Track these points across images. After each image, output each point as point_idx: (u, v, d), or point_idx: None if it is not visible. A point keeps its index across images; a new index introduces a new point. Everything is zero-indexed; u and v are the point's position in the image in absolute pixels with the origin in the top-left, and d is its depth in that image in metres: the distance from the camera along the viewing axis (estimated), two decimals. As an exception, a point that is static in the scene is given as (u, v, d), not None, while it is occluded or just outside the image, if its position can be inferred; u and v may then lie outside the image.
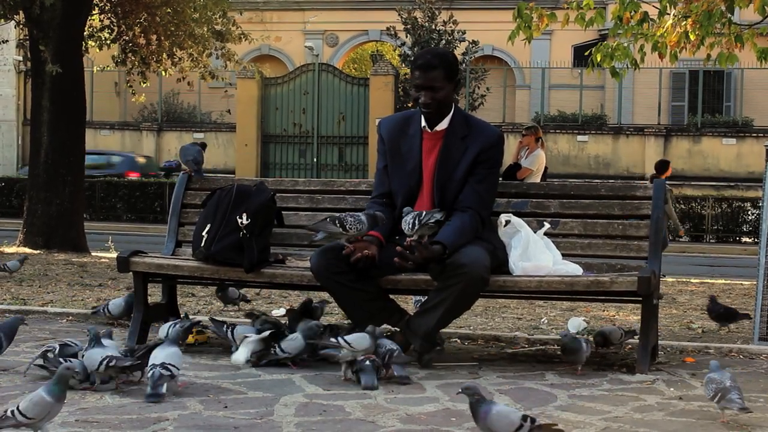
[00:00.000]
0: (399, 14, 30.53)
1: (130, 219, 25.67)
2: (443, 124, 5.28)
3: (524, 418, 3.53)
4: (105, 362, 4.38)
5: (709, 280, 12.59)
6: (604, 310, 7.82)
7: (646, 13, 9.47)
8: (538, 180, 12.00)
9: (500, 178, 5.68)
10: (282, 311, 7.05)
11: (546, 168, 12.53)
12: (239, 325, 5.42)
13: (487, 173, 5.25)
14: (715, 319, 6.72)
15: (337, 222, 5.06)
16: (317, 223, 5.22)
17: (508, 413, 3.59)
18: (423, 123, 5.30)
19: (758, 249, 6.26)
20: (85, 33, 14.67)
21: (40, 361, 4.68)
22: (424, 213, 5.01)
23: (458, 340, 6.03)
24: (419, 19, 30.20)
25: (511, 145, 14.75)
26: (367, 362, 4.61)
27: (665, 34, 9.48)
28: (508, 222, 5.25)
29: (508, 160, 11.62)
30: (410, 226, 4.98)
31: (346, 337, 4.77)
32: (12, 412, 3.54)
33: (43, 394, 3.58)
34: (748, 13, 10.97)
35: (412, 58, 5.48)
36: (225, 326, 5.36)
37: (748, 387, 4.73)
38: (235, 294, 7.19)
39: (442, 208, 5.18)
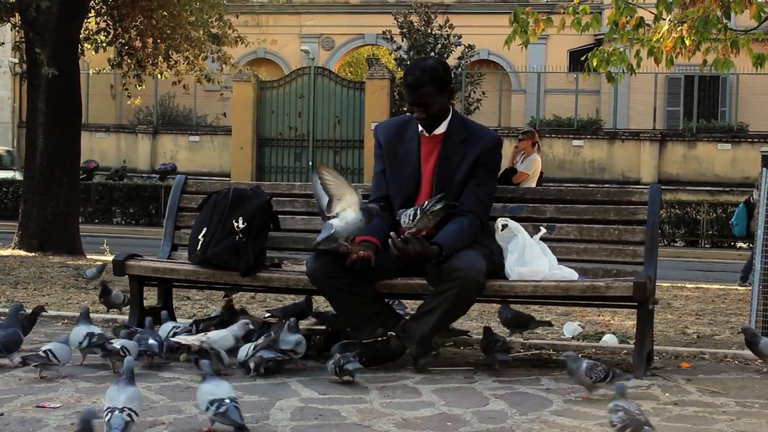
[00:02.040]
0: (395, 18, 30.54)
1: (125, 222, 25.62)
2: (441, 128, 5.27)
3: (212, 402, 3.67)
4: (87, 338, 4.73)
5: (704, 285, 12.61)
6: (599, 315, 7.83)
7: (641, 18, 9.49)
8: (533, 184, 12.00)
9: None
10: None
11: (542, 173, 12.54)
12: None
13: (487, 177, 5.25)
14: (504, 325, 6.18)
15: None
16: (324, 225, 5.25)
17: (202, 393, 3.77)
18: (420, 128, 5.30)
19: (753, 254, 6.26)
20: (81, 36, 14.65)
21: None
22: (426, 203, 5.00)
23: (454, 345, 6.02)
24: (415, 23, 30.20)
25: (506, 149, 14.70)
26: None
27: (661, 39, 9.50)
28: (504, 226, 5.25)
29: (504, 164, 11.61)
30: (410, 218, 4.96)
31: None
32: (129, 415, 3.48)
33: (137, 388, 3.63)
34: (744, 19, 10.99)
35: (405, 70, 5.41)
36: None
37: (744, 393, 4.74)
38: (120, 298, 6.85)
39: None
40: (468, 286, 4.92)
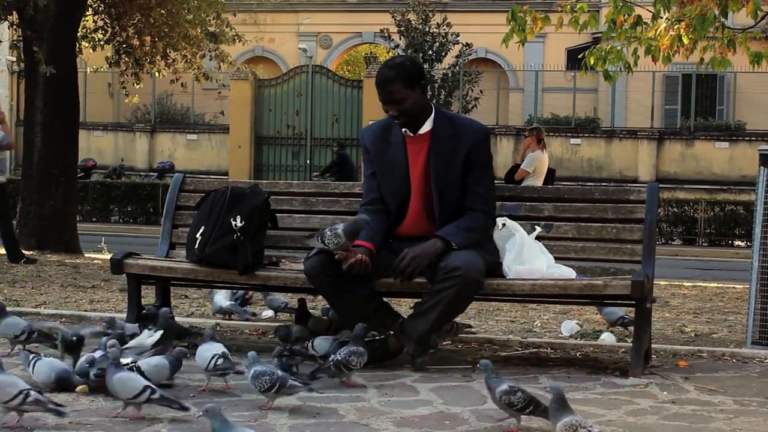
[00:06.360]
0: (393, 16, 30.51)
1: (123, 221, 25.61)
2: (426, 127, 5.24)
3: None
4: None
5: (701, 284, 12.62)
6: (597, 314, 7.83)
7: (639, 16, 9.49)
8: (539, 182, 11.98)
9: (503, 180, 5.68)
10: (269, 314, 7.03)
11: (553, 170, 12.51)
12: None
13: (483, 173, 5.24)
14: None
15: (318, 237, 5.09)
16: (308, 240, 5.24)
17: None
18: (404, 128, 5.27)
19: (751, 252, 6.27)
20: (78, 34, 14.64)
21: None
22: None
23: (451, 343, 6.02)
24: (413, 22, 30.18)
25: (505, 147, 14.74)
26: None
27: (658, 37, 9.50)
28: (503, 225, 5.26)
29: (509, 161, 11.62)
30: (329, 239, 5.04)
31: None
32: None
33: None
34: (741, 17, 10.99)
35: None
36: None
37: (741, 391, 4.74)
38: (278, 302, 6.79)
39: (443, 209, 5.18)
40: (466, 285, 4.92)
